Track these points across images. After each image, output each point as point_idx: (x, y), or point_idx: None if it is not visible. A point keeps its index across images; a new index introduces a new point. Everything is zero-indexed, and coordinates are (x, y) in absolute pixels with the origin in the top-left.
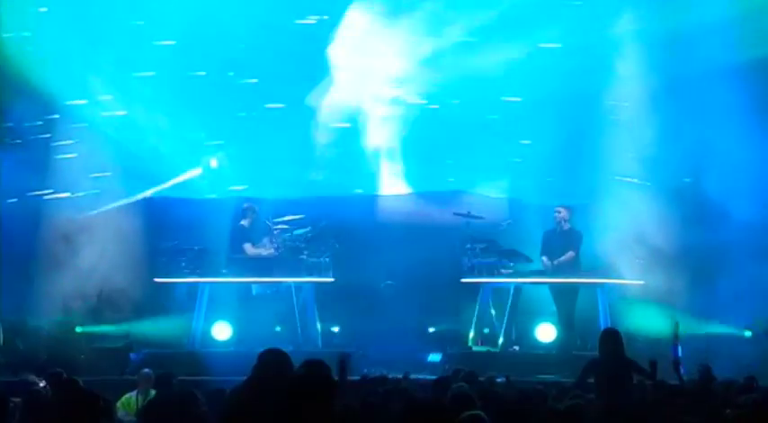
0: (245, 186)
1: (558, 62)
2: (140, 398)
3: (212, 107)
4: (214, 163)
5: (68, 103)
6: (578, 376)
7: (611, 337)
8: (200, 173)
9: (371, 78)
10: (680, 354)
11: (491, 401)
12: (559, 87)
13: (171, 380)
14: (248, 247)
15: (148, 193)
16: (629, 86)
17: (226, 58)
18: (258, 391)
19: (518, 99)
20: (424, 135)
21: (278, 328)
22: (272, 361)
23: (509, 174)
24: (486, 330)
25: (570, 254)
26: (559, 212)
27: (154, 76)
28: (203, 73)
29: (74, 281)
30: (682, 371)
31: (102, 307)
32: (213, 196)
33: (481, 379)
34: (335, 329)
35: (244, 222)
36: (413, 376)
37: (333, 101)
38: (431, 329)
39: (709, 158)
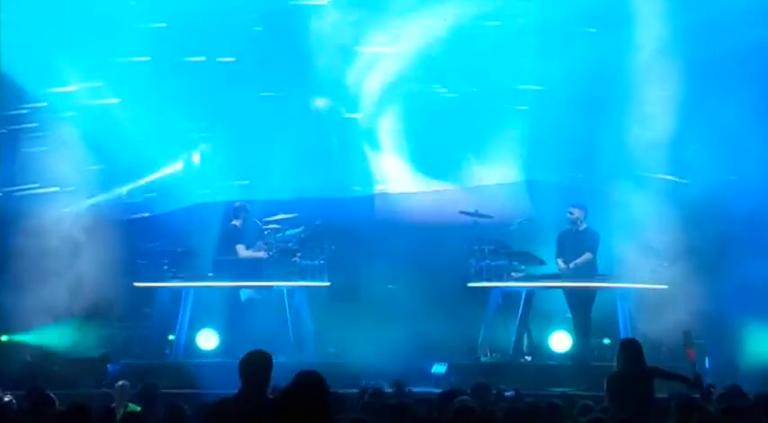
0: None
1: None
2: (117, 413)
3: (196, 96)
4: (196, 158)
5: (40, 92)
6: (606, 395)
7: (630, 350)
8: (180, 168)
9: (370, 64)
10: (707, 365)
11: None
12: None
13: (156, 393)
14: (241, 250)
15: (124, 189)
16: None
17: (212, 41)
18: (246, 403)
19: (536, 87)
20: (428, 127)
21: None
22: (255, 363)
23: (522, 167)
24: (495, 339)
25: (587, 255)
26: (572, 214)
27: (132, 62)
28: (187, 59)
29: (45, 285)
30: (705, 385)
31: (77, 314)
32: (197, 200)
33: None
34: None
35: (236, 222)
36: (415, 390)
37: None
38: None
39: (748, 155)
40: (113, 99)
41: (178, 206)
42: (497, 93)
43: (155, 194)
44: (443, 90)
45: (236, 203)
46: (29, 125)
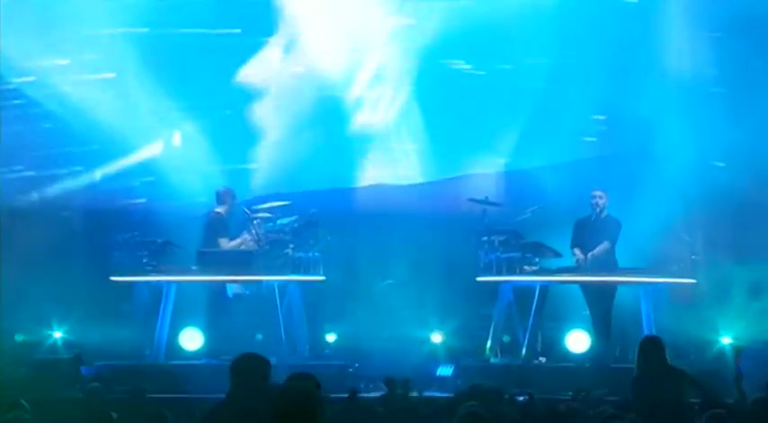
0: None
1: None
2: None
3: (178, 71)
4: (177, 139)
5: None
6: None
7: (652, 348)
8: (160, 151)
9: (367, 41)
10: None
11: None
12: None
13: (145, 399)
14: (223, 242)
15: (97, 174)
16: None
17: (196, 10)
18: (236, 409)
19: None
20: (433, 110)
21: (259, 337)
22: (248, 369)
23: (535, 150)
24: (507, 338)
25: (605, 245)
26: (600, 197)
27: (106, 34)
28: (167, 30)
29: (10, 279)
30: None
31: (48, 311)
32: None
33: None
34: (331, 338)
35: (220, 209)
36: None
37: (321, 70)
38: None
39: None
40: (85, 75)
41: (158, 192)
42: (513, 71)
43: (133, 180)
44: (462, 64)
45: (221, 188)
46: None
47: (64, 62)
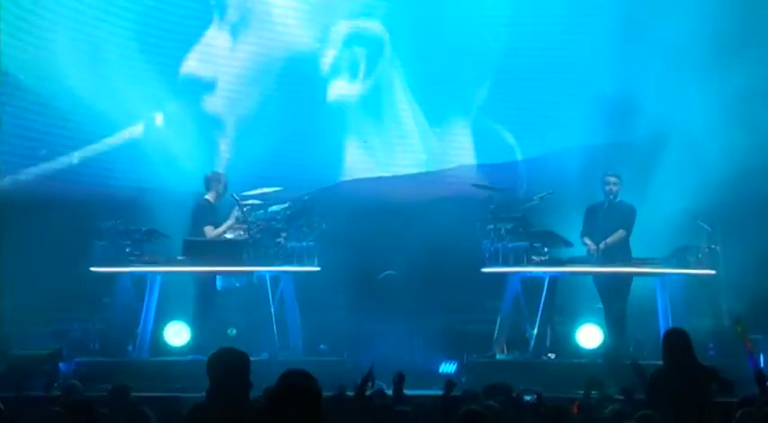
0: None
1: None
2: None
3: (162, 46)
4: (160, 119)
5: None
6: (646, 392)
7: (678, 341)
8: (141, 132)
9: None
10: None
11: None
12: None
13: (128, 396)
14: (208, 230)
15: (76, 156)
16: None
17: None
18: (222, 410)
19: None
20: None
21: (232, 332)
22: (226, 365)
23: (546, 131)
24: (514, 333)
25: (620, 233)
26: (615, 183)
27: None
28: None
29: None
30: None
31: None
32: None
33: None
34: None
35: (208, 197)
36: (419, 392)
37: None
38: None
39: None
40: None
41: (142, 177)
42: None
43: (114, 163)
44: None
45: (209, 173)
46: None
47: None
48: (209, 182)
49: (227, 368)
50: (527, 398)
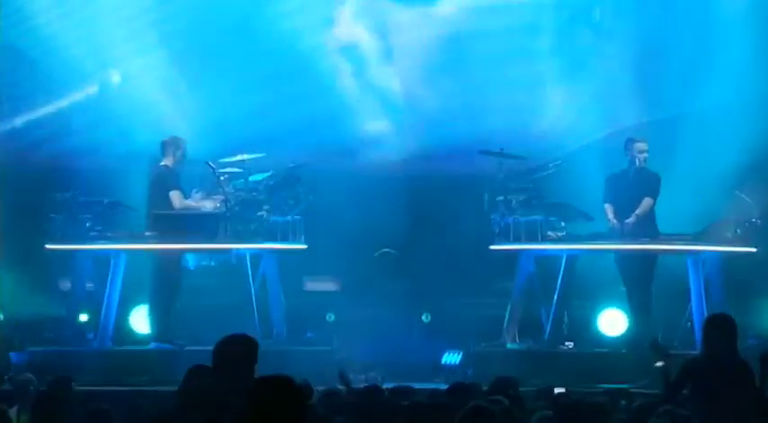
0: None
1: None
2: (23, 418)
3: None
4: (116, 76)
5: None
6: (668, 384)
7: (723, 329)
8: (95, 92)
9: None
10: None
11: None
12: None
13: (70, 388)
14: (176, 197)
15: (19, 120)
16: None
17: None
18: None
19: None
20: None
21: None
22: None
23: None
24: (526, 319)
25: (648, 201)
26: (643, 151)
27: None
28: None
29: None
30: None
31: None
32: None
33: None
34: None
35: (166, 162)
36: (419, 386)
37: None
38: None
39: None
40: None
41: (100, 143)
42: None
43: (67, 127)
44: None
45: (167, 138)
46: None
47: None
48: (167, 147)
49: (237, 354)
50: (557, 390)
